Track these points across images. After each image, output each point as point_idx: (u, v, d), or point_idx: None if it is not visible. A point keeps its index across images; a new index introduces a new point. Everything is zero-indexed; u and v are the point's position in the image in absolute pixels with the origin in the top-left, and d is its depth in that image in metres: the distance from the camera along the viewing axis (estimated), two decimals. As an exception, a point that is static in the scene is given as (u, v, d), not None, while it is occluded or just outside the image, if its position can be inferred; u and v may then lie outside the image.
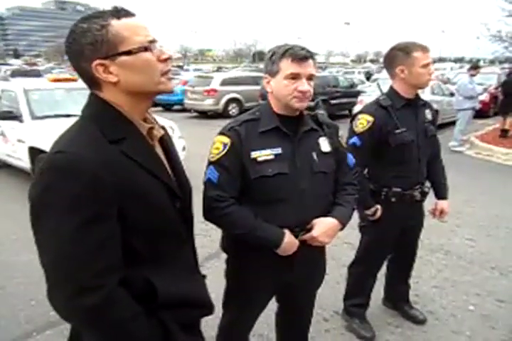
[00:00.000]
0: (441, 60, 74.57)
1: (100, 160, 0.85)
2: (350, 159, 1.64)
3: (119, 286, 0.88)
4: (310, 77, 1.39)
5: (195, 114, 13.11)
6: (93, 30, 0.88)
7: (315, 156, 1.46)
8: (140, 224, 0.92)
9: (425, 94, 7.88)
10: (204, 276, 1.22)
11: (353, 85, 12.88)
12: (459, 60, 78.74)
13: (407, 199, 2.13)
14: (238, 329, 1.75)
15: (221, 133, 1.45)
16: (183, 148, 5.61)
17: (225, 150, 1.41)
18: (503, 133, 8.17)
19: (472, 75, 7.29)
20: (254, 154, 1.40)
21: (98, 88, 0.93)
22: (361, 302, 2.41)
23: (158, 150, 1.03)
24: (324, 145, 1.50)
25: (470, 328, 2.46)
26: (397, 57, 2.00)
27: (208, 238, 3.64)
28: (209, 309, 1.13)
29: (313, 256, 1.59)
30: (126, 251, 0.90)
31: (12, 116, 5.05)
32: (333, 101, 11.36)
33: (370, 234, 2.27)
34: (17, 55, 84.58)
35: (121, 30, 0.88)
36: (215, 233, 4.06)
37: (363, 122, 2.02)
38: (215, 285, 2.89)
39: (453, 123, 10.50)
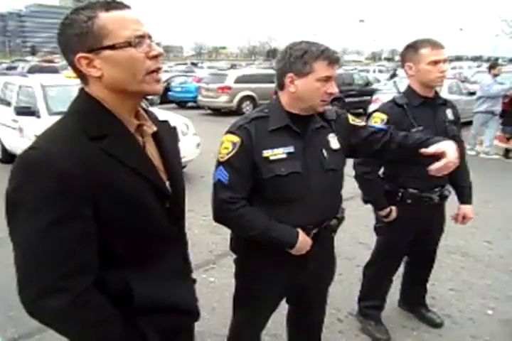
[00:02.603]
0: (458, 58, 73.28)
1: (74, 158, 0.81)
2: (374, 127, 1.63)
3: (93, 288, 0.85)
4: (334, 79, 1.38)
5: (209, 111, 13.12)
6: (79, 21, 0.84)
7: (325, 154, 1.44)
8: (120, 224, 0.88)
9: (442, 93, 7.70)
10: (194, 280, 1.18)
11: (368, 83, 12.73)
12: (477, 59, 77.24)
13: (424, 202, 2.07)
14: (249, 331, 1.71)
15: (230, 132, 1.40)
16: (197, 145, 5.61)
17: (235, 150, 1.36)
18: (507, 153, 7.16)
19: (495, 75, 6.88)
20: (266, 153, 1.37)
21: (86, 82, 0.90)
22: (376, 304, 2.37)
23: (151, 147, 0.98)
24: (334, 142, 1.48)
25: (489, 333, 2.39)
26: (407, 53, 1.98)
27: (220, 236, 3.63)
28: (193, 317, 1.09)
29: (325, 253, 1.58)
30: (105, 252, 0.88)
31: (29, 111, 5.13)
32: (347, 100, 11.25)
33: (384, 235, 2.23)
34: (34, 52, 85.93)
35: (107, 23, 0.84)
36: (228, 231, 4.09)
37: (377, 120, 1.97)
38: (227, 283, 2.89)
39: (471, 123, 10.36)
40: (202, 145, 5.76)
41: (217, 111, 12.79)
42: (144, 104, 6.17)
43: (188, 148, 5.35)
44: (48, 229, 0.80)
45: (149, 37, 0.89)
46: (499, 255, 3.41)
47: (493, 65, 7.17)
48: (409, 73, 1.98)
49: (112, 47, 0.84)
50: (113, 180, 0.86)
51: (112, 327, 0.87)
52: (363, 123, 1.60)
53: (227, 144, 1.38)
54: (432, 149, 1.37)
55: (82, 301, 0.83)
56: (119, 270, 0.90)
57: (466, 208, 2.24)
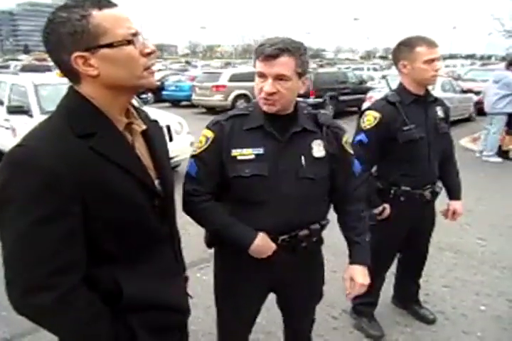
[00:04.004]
0: (451, 56, 73.68)
1: (61, 155, 0.81)
2: (356, 166, 1.53)
3: (81, 286, 0.85)
4: (279, 78, 1.25)
5: (203, 110, 13.10)
6: (73, 20, 0.83)
7: (303, 161, 1.35)
8: (109, 222, 0.88)
9: (436, 91, 7.76)
10: (186, 278, 1.18)
11: (362, 82, 12.77)
12: (470, 57, 77.72)
13: (417, 199, 2.09)
14: (234, 329, 1.68)
15: (207, 127, 1.41)
16: (191, 144, 5.60)
17: (207, 145, 1.36)
18: (505, 154, 6.76)
19: None
20: (234, 152, 1.33)
21: (77, 81, 0.89)
22: (370, 301, 2.38)
23: (140, 145, 0.99)
24: (317, 149, 1.38)
25: (481, 329, 2.42)
26: (401, 51, 1.97)
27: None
28: (183, 314, 1.09)
29: (301, 263, 1.49)
30: (95, 250, 0.88)
31: (22, 110, 5.09)
32: (341, 98, 11.28)
33: (377, 233, 2.24)
34: (27, 51, 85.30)
35: (102, 22, 0.84)
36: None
37: (370, 119, 1.97)
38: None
39: (464, 120, 10.45)
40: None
41: (212, 110, 12.76)
42: (137, 102, 6.13)
43: (181, 147, 5.34)
44: (36, 226, 0.80)
45: (139, 34, 0.89)
46: (492, 252, 3.44)
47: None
48: (403, 71, 1.97)
49: (110, 45, 0.85)
50: (101, 177, 0.86)
51: (100, 325, 0.87)
52: (352, 152, 1.51)
53: (202, 138, 1.39)
54: (345, 275, 1.50)
55: (70, 298, 0.83)
56: (108, 267, 0.91)
57: (456, 204, 2.27)
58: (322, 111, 1.47)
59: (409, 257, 2.43)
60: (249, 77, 12.82)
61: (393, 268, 2.45)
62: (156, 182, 0.99)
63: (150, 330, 0.95)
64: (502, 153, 6.69)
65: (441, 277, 3.02)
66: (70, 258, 0.84)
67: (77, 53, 0.84)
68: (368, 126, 1.98)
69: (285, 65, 1.25)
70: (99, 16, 0.84)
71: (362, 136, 2.00)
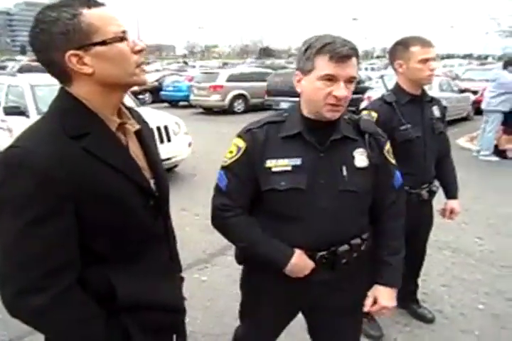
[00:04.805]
0: (449, 56, 73.80)
1: (55, 156, 0.81)
2: (397, 178, 1.39)
3: (75, 286, 0.85)
4: (350, 80, 1.16)
5: (201, 110, 13.09)
6: (64, 19, 0.83)
7: (345, 171, 1.23)
8: (103, 222, 0.88)
9: (433, 91, 7.78)
10: (182, 278, 1.18)
11: (360, 81, 12.77)
12: (468, 56, 77.89)
13: (414, 199, 2.09)
14: None
15: (238, 136, 1.29)
16: (189, 144, 5.59)
17: (238, 155, 1.26)
18: (503, 153, 6.75)
19: None
20: (269, 163, 1.22)
21: (68, 81, 0.89)
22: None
23: (134, 145, 0.99)
24: (360, 158, 1.26)
25: (479, 327, 2.42)
26: (396, 51, 1.98)
27: (214, 235, 3.62)
28: (178, 314, 1.10)
29: (337, 280, 1.33)
30: (88, 250, 0.88)
31: (18, 111, 5.07)
32: (339, 98, 11.28)
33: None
34: (24, 51, 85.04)
35: (93, 20, 0.85)
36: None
37: None
38: (220, 282, 2.89)
39: (462, 120, 10.47)
40: (194, 145, 5.74)
41: (210, 110, 12.76)
42: (134, 103, 6.10)
43: (179, 148, 5.34)
44: (30, 227, 0.80)
45: (128, 32, 0.91)
46: (489, 250, 3.44)
47: (511, 61, 6.53)
48: (399, 71, 1.98)
49: (103, 43, 0.85)
50: (94, 178, 0.86)
51: (95, 326, 0.87)
52: (394, 162, 1.39)
53: (233, 148, 1.28)
54: (369, 293, 1.37)
55: (64, 299, 0.83)
56: (102, 268, 0.91)
57: (453, 203, 2.27)
58: (364, 116, 1.35)
59: (407, 256, 2.41)
60: (246, 78, 12.85)
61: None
62: (151, 182, 0.99)
63: (145, 330, 0.95)
64: (499, 152, 6.71)
65: (440, 276, 3.02)
66: (65, 258, 0.84)
67: (70, 52, 0.84)
68: None
69: (355, 66, 1.16)
70: (89, 15, 0.85)
71: None
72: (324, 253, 1.27)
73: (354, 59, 1.15)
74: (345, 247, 1.29)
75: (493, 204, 4.54)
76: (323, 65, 1.14)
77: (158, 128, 4.99)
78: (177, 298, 1.10)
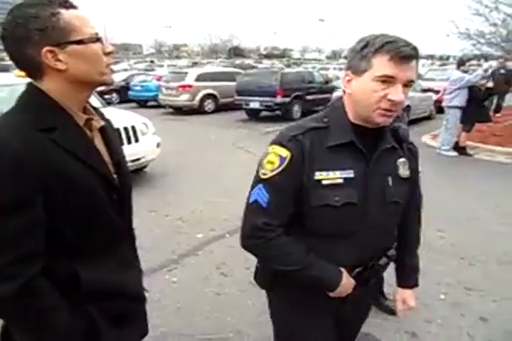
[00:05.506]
0: (413, 56, 75.81)
1: (24, 148, 0.83)
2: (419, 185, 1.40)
3: (41, 276, 0.88)
4: (408, 84, 1.04)
5: (170, 110, 12.94)
6: (43, 16, 0.88)
7: (390, 182, 1.17)
8: (70, 213, 0.91)
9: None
10: (140, 271, 1.23)
11: (327, 81, 13.02)
12: (430, 57, 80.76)
13: None
14: None
15: (278, 143, 1.12)
16: (158, 145, 5.52)
17: (283, 166, 1.09)
18: (463, 150, 7.07)
19: (465, 71, 6.80)
20: (319, 175, 1.09)
21: (39, 76, 0.93)
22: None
23: (99, 141, 1.03)
24: (403, 168, 1.20)
25: (441, 316, 2.54)
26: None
27: (184, 235, 3.62)
28: (140, 302, 1.15)
29: (365, 296, 1.36)
30: (54, 240, 0.91)
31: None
32: (308, 97, 11.44)
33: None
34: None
35: (72, 20, 0.90)
36: (192, 230, 4.07)
37: None
38: (190, 282, 2.89)
39: (425, 118, 10.86)
40: (164, 145, 5.68)
41: (179, 110, 12.63)
42: (100, 103, 5.95)
43: (147, 148, 5.27)
44: None
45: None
46: (451, 243, 3.60)
47: (462, 61, 7.06)
48: None
49: (80, 42, 0.91)
50: (63, 169, 0.89)
51: (60, 314, 0.90)
52: (420, 170, 1.35)
53: (274, 158, 1.11)
54: (397, 297, 1.42)
55: (30, 288, 0.85)
56: (67, 258, 0.93)
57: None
58: (403, 125, 1.26)
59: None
60: (216, 77, 12.81)
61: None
62: (115, 177, 1.03)
63: (109, 318, 0.99)
64: (459, 148, 7.03)
65: (405, 269, 3.13)
66: (32, 248, 0.86)
67: (47, 48, 0.88)
68: None
69: (414, 68, 1.04)
70: (68, 15, 0.90)
71: None
72: (361, 268, 1.21)
73: (415, 61, 1.03)
74: (385, 260, 1.25)
75: (454, 199, 4.75)
76: (382, 65, 1.01)
77: (126, 129, 4.90)
78: (138, 287, 1.15)
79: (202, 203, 4.51)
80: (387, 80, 1.02)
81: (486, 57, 13.69)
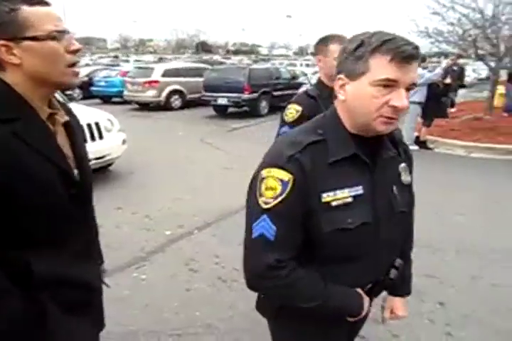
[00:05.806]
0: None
1: None
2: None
3: None
4: (410, 88, 0.93)
5: (136, 106, 12.68)
6: (1, 11, 0.89)
7: (395, 191, 1.07)
8: (28, 204, 0.92)
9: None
10: (100, 263, 1.25)
11: (294, 77, 13.15)
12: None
13: None
14: None
15: (275, 166, 0.96)
16: (123, 142, 5.41)
17: (287, 192, 0.95)
18: (423, 144, 7.33)
19: (424, 68, 7.15)
20: (326, 196, 0.97)
21: (2, 68, 0.94)
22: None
23: (61, 135, 1.03)
24: (405, 174, 1.12)
25: (403, 303, 2.65)
26: (316, 47, 2.13)
27: (152, 232, 3.58)
28: (94, 292, 1.16)
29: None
30: (8, 230, 0.91)
31: None
32: (275, 93, 11.53)
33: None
34: None
35: (30, 16, 0.91)
36: (159, 227, 4.01)
37: (292, 112, 2.07)
38: (159, 279, 2.87)
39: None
40: (130, 142, 5.57)
41: (145, 106, 12.41)
42: (62, 99, 5.81)
43: (112, 145, 5.16)
44: None
45: (68, 32, 0.97)
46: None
47: (423, 58, 7.34)
48: (319, 65, 2.13)
49: (33, 38, 0.91)
50: (22, 162, 0.89)
51: (10, 300, 0.90)
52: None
53: (274, 183, 0.96)
54: (386, 304, 1.30)
55: None
56: (20, 247, 0.93)
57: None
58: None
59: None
60: (183, 73, 12.66)
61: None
62: (75, 172, 1.04)
63: (60, 305, 0.99)
64: (420, 142, 7.31)
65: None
66: None
67: (1, 42, 0.89)
68: (291, 119, 2.07)
69: (416, 69, 0.94)
70: (28, 11, 0.91)
71: (286, 128, 2.09)
72: (371, 285, 1.12)
73: (416, 61, 0.92)
74: (394, 272, 1.14)
75: (415, 190, 4.93)
76: (382, 67, 0.89)
77: (89, 125, 4.78)
78: (93, 278, 1.15)
79: (170, 200, 4.46)
80: (389, 84, 0.90)
81: (446, 55, 14.28)
